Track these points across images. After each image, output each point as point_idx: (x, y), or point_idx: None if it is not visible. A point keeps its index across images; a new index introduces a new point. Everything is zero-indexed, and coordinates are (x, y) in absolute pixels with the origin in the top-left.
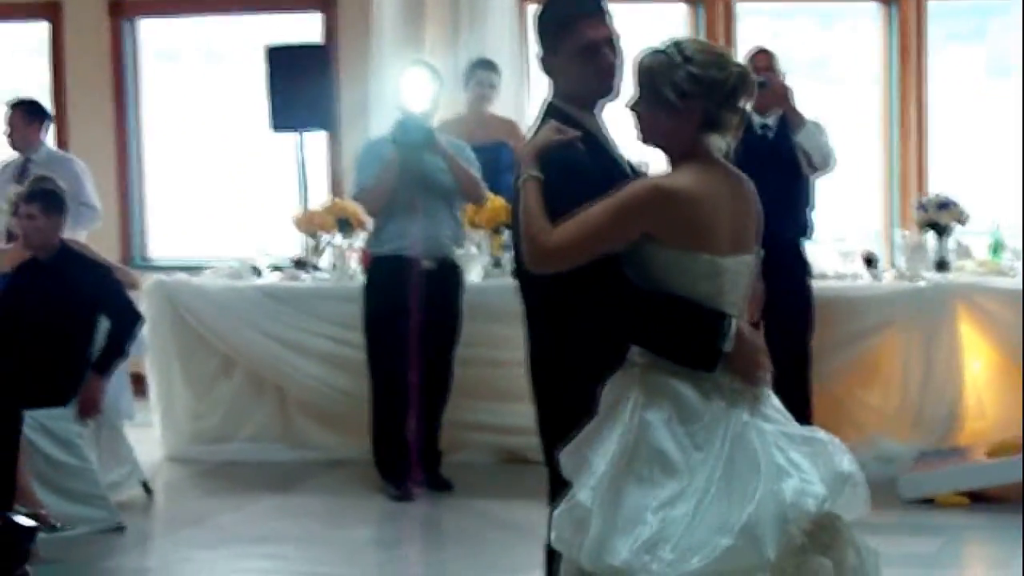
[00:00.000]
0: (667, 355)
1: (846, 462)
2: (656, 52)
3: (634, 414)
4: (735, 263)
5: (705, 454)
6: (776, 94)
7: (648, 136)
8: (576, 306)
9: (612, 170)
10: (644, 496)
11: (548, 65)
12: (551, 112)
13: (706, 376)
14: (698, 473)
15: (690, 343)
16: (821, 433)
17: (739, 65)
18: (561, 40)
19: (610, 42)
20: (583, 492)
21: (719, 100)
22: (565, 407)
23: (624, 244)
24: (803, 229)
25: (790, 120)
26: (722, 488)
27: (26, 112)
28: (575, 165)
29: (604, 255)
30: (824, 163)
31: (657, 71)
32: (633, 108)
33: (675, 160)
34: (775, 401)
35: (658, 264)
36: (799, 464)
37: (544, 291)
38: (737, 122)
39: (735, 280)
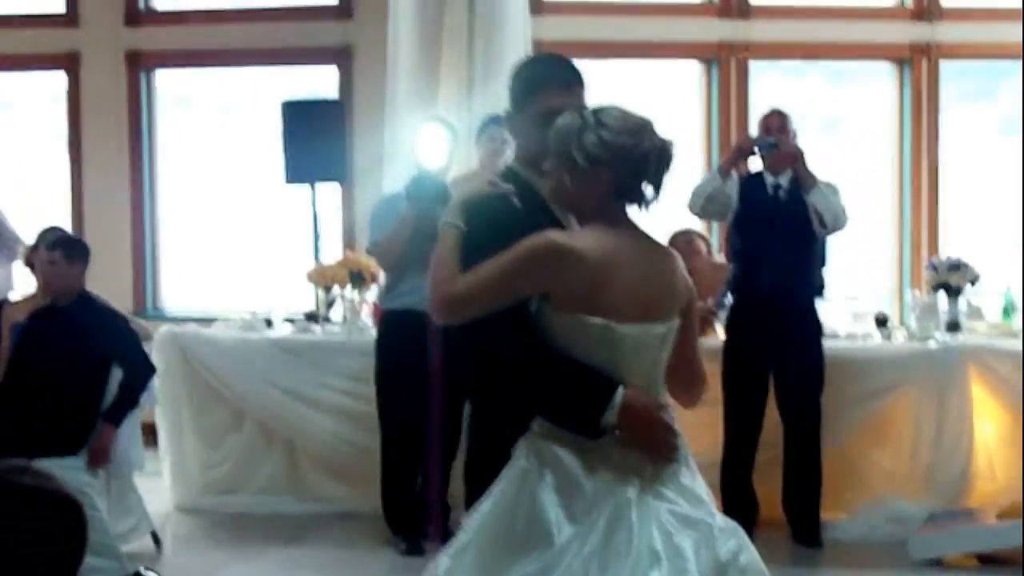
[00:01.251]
0: (554, 420)
1: (727, 550)
2: (572, 114)
3: (514, 481)
4: (638, 331)
5: (580, 528)
6: (788, 155)
7: (556, 197)
8: (476, 363)
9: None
10: (510, 568)
11: (511, 125)
12: (505, 174)
13: (593, 446)
14: (569, 549)
15: (573, 410)
16: (716, 518)
17: (658, 137)
18: (526, 103)
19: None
20: (443, 558)
21: (628, 168)
22: (483, 468)
23: (518, 298)
24: (815, 288)
25: (802, 181)
26: (594, 569)
27: None
28: (499, 218)
29: (511, 311)
30: (835, 223)
31: (568, 133)
32: (548, 169)
33: (584, 222)
34: (686, 478)
35: (556, 325)
36: (681, 549)
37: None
38: (651, 194)
39: (637, 350)
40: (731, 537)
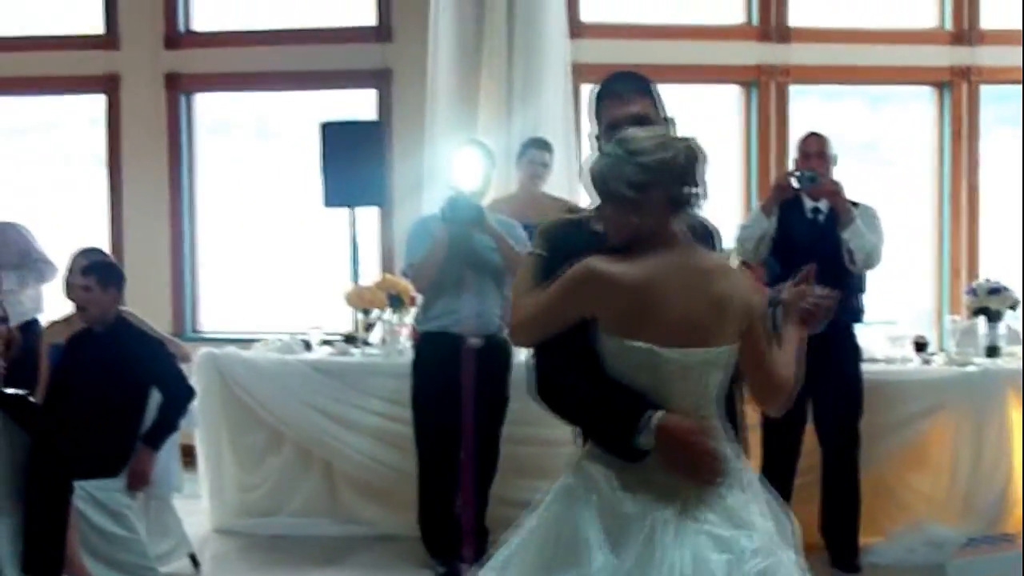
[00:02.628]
0: (597, 442)
1: (752, 569)
2: (602, 156)
3: (559, 499)
4: (682, 356)
5: (616, 550)
6: (826, 189)
7: (619, 236)
8: (539, 386)
9: None
10: None
11: (595, 142)
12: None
13: (636, 468)
14: (604, 571)
15: (611, 432)
16: (754, 539)
17: (684, 140)
18: (598, 118)
19: (637, 119)
20: (487, 571)
21: (675, 179)
22: None
23: (567, 323)
24: (854, 313)
25: (839, 216)
26: None
27: None
28: (574, 244)
29: (569, 334)
30: (867, 262)
31: (609, 174)
32: (602, 214)
33: (643, 248)
34: (734, 499)
35: (605, 349)
36: (712, 573)
37: None
38: (701, 192)
39: (683, 374)
40: (764, 557)
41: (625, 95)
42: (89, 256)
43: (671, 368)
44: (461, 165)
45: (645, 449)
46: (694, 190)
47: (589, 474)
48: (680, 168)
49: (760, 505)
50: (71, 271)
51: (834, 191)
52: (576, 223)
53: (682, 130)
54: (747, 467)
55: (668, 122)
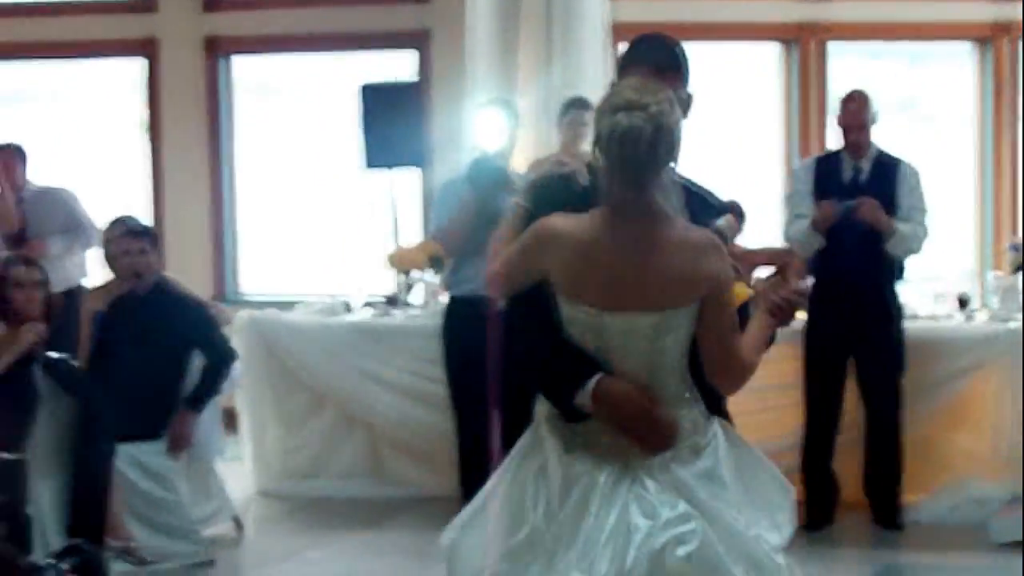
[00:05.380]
0: (548, 400)
1: (669, 537)
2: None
3: (513, 459)
4: (623, 321)
5: (555, 511)
6: (864, 212)
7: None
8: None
9: None
10: (501, 544)
11: None
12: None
13: (583, 430)
14: (541, 530)
15: (556, 392)
16: (679, 507)
17: (624, 117)
18: (619, 76)
19: None
20: (448, 532)
21: (627, 149)
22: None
23: (530, 278)
24: (895, 271)
25: (883, 232)
26: (561, 551)
27: (6, 156)
28: (561, 198)
29: (533, 292)
30: (906, 256)
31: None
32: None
33: (609, 213)
34: (683, 470)
35: (561, 311)
36: (631, 539)
37: None
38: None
39: (625, 338)
40: (680, 524)
41: (664, 70)
42: (129, 223)
43: (614, 332)
44: (484, 125)
45: (584, 409)
46: (651, 162)
47: (541, 436)
48: (604, 140)
49: (723, 474)
50: (111, 240)
51: (873, 216)
52: (566, 177)
53: (720, 90)
54: (720, 434)
55: (688, 99)
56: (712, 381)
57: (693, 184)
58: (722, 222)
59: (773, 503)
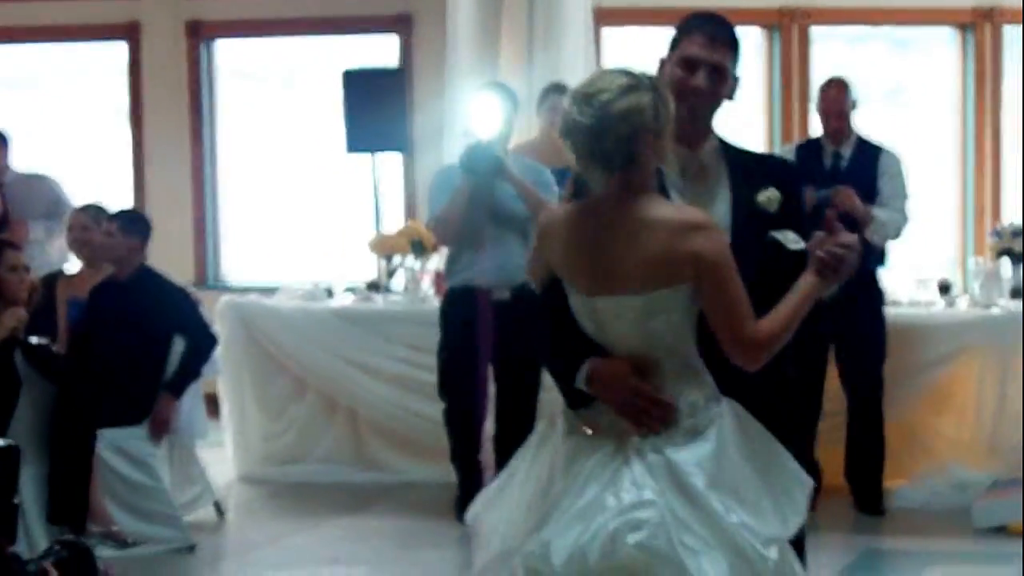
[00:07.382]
0: (558, 386)
1: (624, 523)
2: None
3: (531, 445)
4: (611, 303)
5: (555, 489)
6: (839, 201)
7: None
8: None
9: None
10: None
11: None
12: None
13: (587, 413)
14: (556, 505)
15: (561, 378)
16: (645, 492)
17: (577, 109)
18: (673, 47)
19: (713, 68)
20: (474, 505)
21: (588, 137)
22: None
23: (545, 269)
24: (877, 257)
25: (859, 221)
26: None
27: None
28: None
29: (553, 283)
30: (884, 242)
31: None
32: None
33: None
34: (680, 453)
35: (569, 297)
36: (595, 516)
37: None
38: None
39: (615, 321)
40: (636, 510)
41: (717, 40)
42: (93, 209)
43: (606, 316)
44: (478, 111)
45: (586, 392)
46: (599, 153)
47: (554, 419)
48: (572, 131)
49: (726, 458)
50: (73, 226)
51: (848, 202)
52: None
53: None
54: (728, 417)
55: (735, 81)
56: (730, 357)
57: (745, 152)
58: (762, 197)
59: (785, 493)
